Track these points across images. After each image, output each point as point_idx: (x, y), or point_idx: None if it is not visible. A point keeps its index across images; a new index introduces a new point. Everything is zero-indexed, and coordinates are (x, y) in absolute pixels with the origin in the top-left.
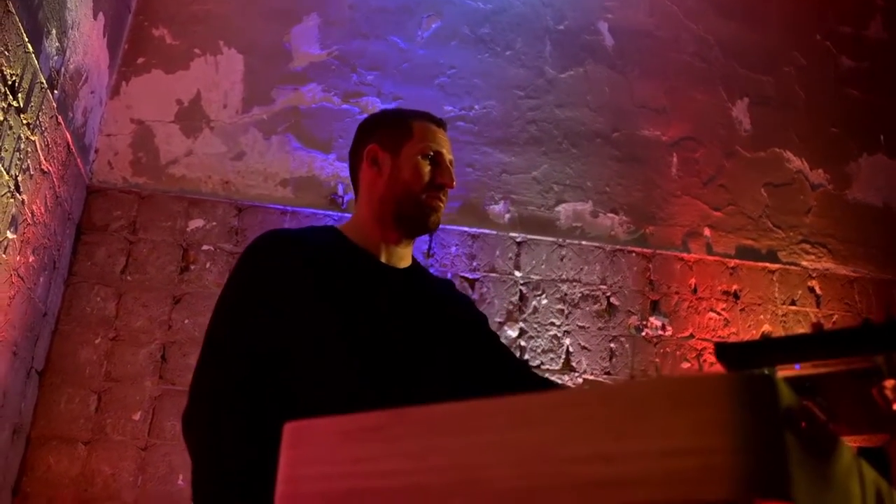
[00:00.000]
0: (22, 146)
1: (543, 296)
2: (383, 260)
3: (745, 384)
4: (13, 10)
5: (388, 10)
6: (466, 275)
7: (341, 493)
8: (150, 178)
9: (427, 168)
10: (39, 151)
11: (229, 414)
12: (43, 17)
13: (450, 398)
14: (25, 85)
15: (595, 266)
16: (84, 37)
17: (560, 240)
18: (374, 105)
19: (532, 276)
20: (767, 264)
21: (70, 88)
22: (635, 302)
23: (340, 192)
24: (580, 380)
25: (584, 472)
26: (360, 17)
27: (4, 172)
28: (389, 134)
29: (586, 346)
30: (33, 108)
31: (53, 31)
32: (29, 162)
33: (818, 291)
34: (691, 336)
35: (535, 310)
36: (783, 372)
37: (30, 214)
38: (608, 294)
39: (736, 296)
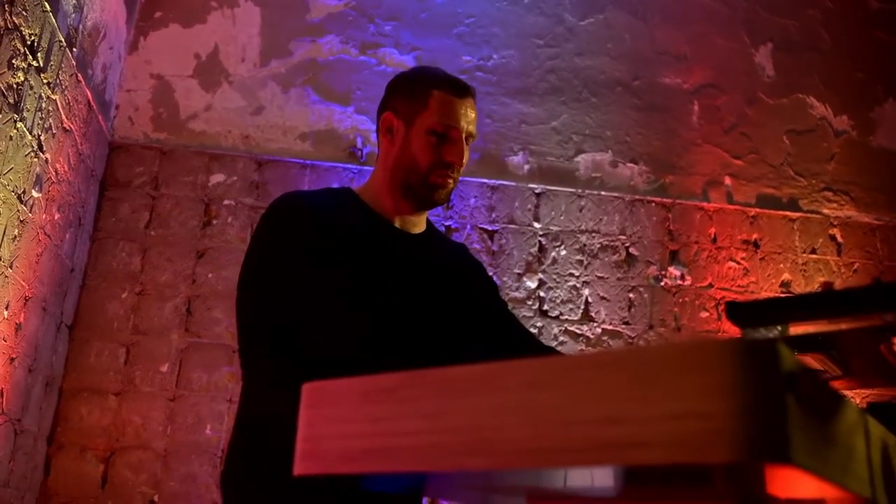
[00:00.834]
0: (43, 105)
1: (562, 247)
2: (398, 225)
3: (748, 349)
4: None
5: None
6: (485, 226)
7: (359, 451)
8: (170, 133)
9: (436, 144)
10: (61, 110)
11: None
12: None
13: (456, 362)
14: (44, 44)
15: (614, 216)
16: None
17: (579, 190)
18: (392, 56)
19: (551, 227)
20: (788, 213)
21: (88, 45)
22: (654, 252)
23: (359, 144)
24: (599, 330)
25: (594, 434)
26: None
27: (28, 132)
28: (405, 103)
29: (605, 296)
30: (53, 67)
31: None
32: (51, 121)
33: (839, 239)
34: (710, 286)
35: (555, 261)
36: (795, 329)
37: (54, 173)
38: (627, 244)
39: (756, 245)
